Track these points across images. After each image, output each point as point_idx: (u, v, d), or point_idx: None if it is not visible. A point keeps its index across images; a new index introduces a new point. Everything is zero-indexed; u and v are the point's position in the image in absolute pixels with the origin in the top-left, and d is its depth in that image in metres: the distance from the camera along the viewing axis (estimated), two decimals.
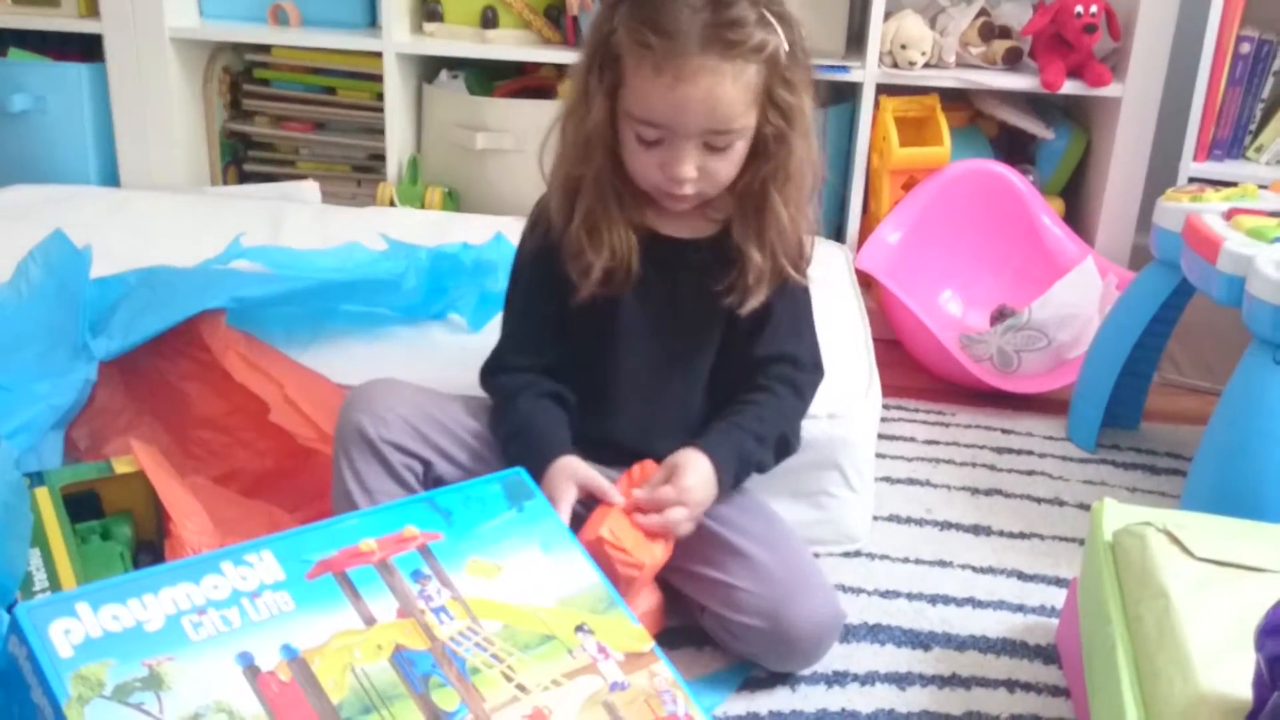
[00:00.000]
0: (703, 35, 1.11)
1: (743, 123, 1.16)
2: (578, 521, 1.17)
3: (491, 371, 1.32)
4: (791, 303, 1.29)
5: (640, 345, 1.28)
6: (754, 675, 1.25)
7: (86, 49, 2.25)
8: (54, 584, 1.11)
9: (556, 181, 1.24)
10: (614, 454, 1.28)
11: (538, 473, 1.19)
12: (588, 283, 1.23)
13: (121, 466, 1.27)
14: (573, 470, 1.20)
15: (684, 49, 1.11)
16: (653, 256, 1.25)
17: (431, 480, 1.25)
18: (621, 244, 1.22)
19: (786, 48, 1.16)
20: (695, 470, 1.20)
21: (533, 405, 1.26)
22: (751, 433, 1.25)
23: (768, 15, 1.15)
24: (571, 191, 1.23)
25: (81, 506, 1.24)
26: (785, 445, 1.29)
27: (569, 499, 1.18)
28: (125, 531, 1.25)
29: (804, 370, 1.31)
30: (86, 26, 2.19)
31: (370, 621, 0.94)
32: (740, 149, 1.19)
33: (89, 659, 0.83)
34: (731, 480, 1.23)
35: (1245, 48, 2.07)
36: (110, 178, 2.27)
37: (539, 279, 1.28)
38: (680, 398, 1.31)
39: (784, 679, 1.24)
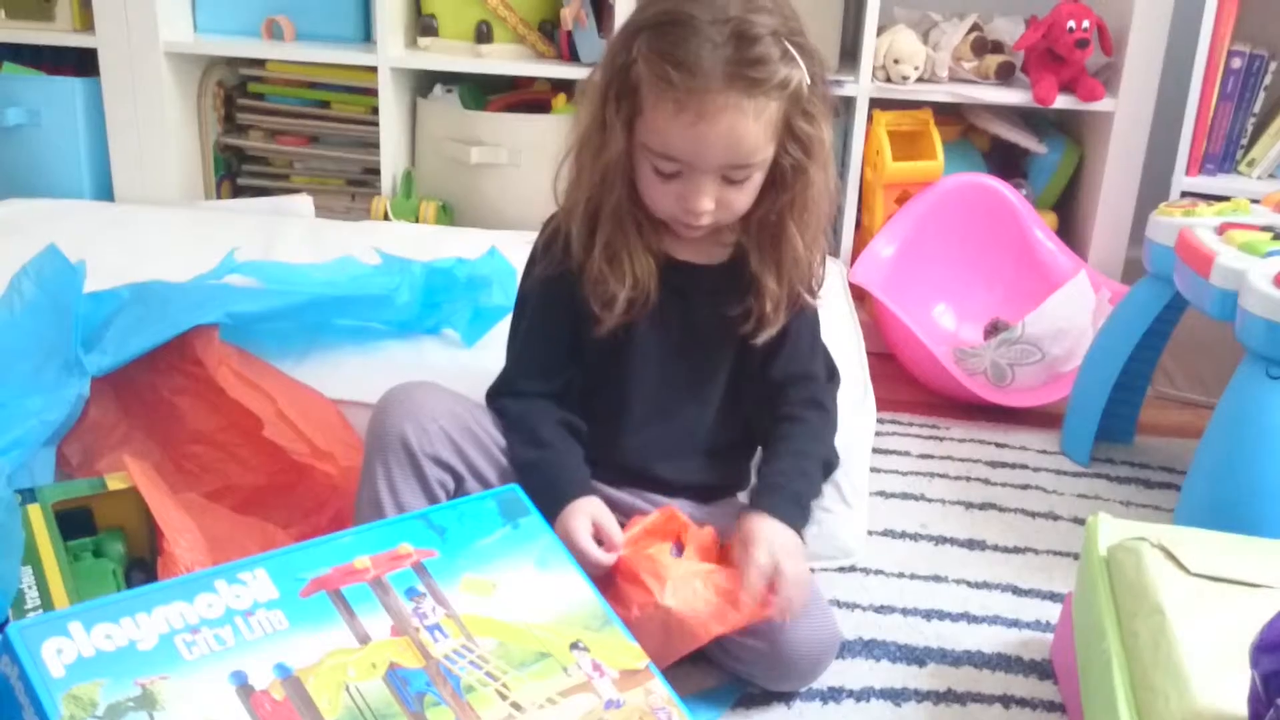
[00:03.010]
0: (726, 73, 1.10)
1: (762, 156, 1.16)
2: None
3: (499, 395, 1.31)
4: (805, 322, 1.30)
5: (655, 369, 1.28)
6: (749, 692, 1.24)
7: (80, 63, 2.25)
8: (46, 602, 1.10)
9: (576, 210, 1.22)
10: (622, 475, 1.29)
11: (557, 508, 1.19)
12: (611, 314, 1.21)
13: (114, 483, 1.27)
14: (592, 510, 1.20)
15: (706, 86, 1.09)
16: (668, 281, 1.24)
17: (459, 496, 1.24)
18: (643, 271, 1.22)
19: (808, 81, 1.15)
20: (766, 540, 1.17)
21: (553, 435, 1.25)
22: (799, 477, 1.24)
23: (790, 49, 1.13)
24: (591, 220, 1.22)
25: (74, 523, 1.23)
26: (828, 468, 1.31)
27: (585, 534, 1.18)
28: (118, 548, 1.24)
29: (822, 384, 1.32)
30: (81, 40, 2.19)
31: (364, 640, 0.94)
32: (758, 180, 1.18)
33: (81, 679, 0.82)
34: (801, 521, 1.23)
35: (1236, 62, 2.08)
36: (104, 192, 2.26)
37: (553, 304, 1.26)
38: (692, 421, 1.31)
39: (779, 696, 1.24)
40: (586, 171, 1.20)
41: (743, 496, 1.36)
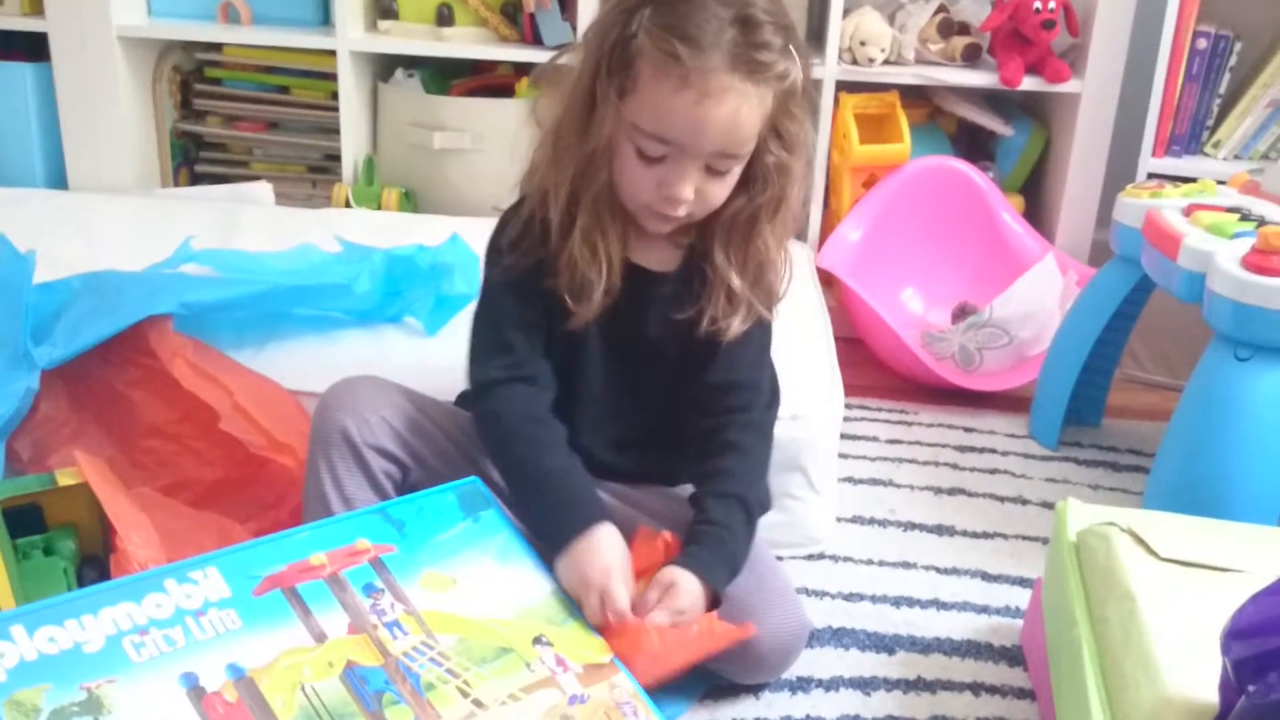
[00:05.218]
0: (732, 54, 1.07)
1: (748, 148, 1.13)
2: None
3: (494, 386, 1.20)
4: (754, 332, 1.24)
5: (601, 372, 1.25)
6: (717, 684, 1.22)
7: (31, 48, 2.19)
8: None
9: (556, 195, 1.17)
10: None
11: (574, 530, 1.12)
12: (590, 304, 1.17)
13: (65, 478, 1.23)
14: (620, 560, 1.13)
15: (712, 64, 1.07)
16: (625, 284, 1.20)
17: (408, 488, 1.21)
18: (616, 261, 1.18)
19: (800, 79, 1.13)
20: (686, 594, 1.12)
21: (564, 448, 1.19)
22: (741, 533, 1.19)
23: (790, 46, 1.11)
24: (571, 206, 1.17)
25: (23, 520, 1.20)
26: (763, 509, 1.25)
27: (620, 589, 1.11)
28: (69, 546, 1.21)
29: (763, 403, 1.28)
30: (31, 25, 2.14)
31: (321, 638, 0.92)
32: (736, 173, 1.15)
33: (24, 683, 0.80)
34: (725, 585, 1.17)
35: (1202, 43, 2.08)
36: (57, 180, 2.21)
37: (533, 295, 1.20)
38: (639, 419, 1.28)
39: (748, 687, 1.22)
40: (570, 153, 1.15)
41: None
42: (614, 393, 1.26)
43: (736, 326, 1.21)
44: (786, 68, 1.11)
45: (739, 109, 1.09)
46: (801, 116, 1.16)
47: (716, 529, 1.18)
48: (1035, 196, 2.31)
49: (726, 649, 1.14)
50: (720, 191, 1.15)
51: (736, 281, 1.20)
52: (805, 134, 1.17)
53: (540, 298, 1.20)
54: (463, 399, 1.32)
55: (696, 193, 1.13)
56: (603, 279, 1.17)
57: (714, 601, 1.15)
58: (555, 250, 1.18)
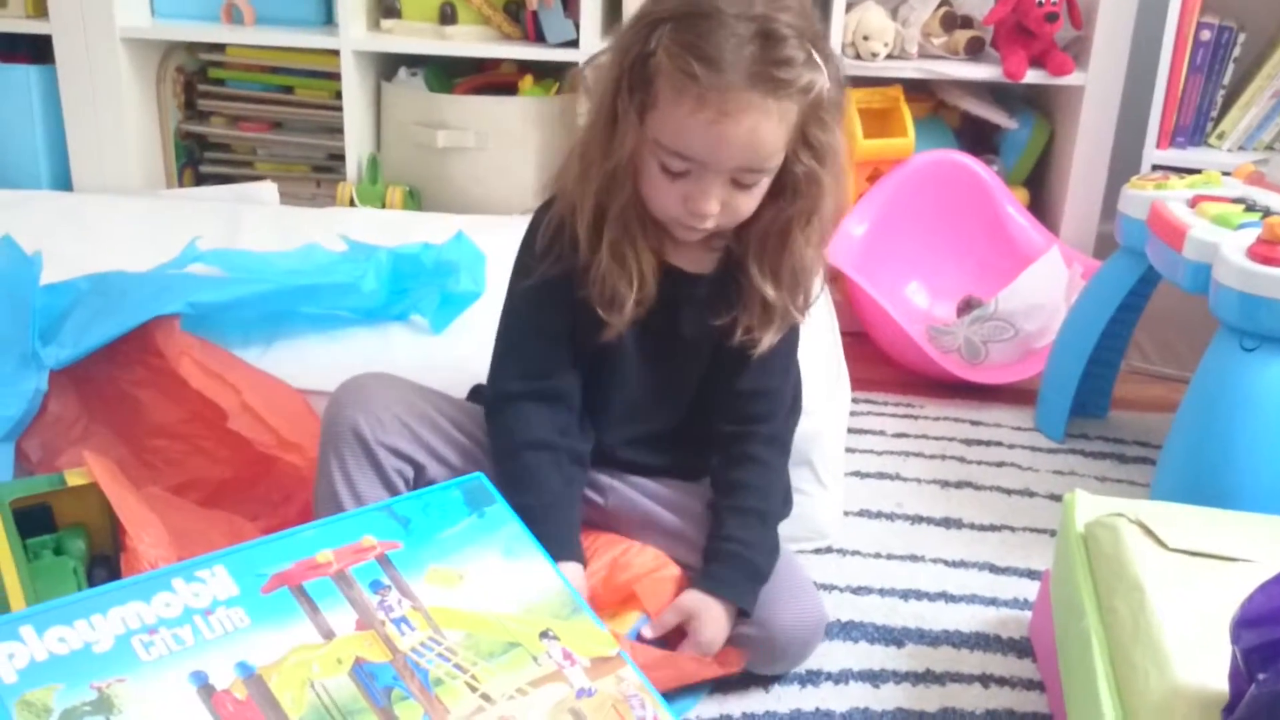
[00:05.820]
0: (751, 71, 1.05)
1: (775, 161, 1.11)
2: None
3: (513, 401, 1.22)
4: (783, 339, 1.24)
5: (635, 373, 1.24)
6: (726, 677, 1.23)
7: (35, 50, 2.20)
8: (2, 603, 1.07)
9: (583, 208, 1.16)
10: (599, 460, 1.27)
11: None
12: (621, 316, 1.17)
13: (74, 478, 1.23)
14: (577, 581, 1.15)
15: (730, 83, 1.04)
16: (659, 287, 1.20)
17: (422, 485, 1.20)
18: (649, 272, 1.17)
19: (828, 86, 1.10)
20: (711, 623, 1.17)
21: (556, 478, 1.19)
22: (762, 544, 1.21)
23: (815, 55, 1.08)
24: (598, 219, 1.16)
25: (33, 520, 1.20)
26: (780, 518, 1.27)
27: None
28: (79, 545, 1.21)
29: (785, 413, 1.28)
30: (35, 27, 2.15)
31: (329, 635, 0.92)
32: (765, 185, 1.13)
33: (35, 684, 0.80)
34: (753, 598, 1.19)
35: (1206, 35, 2.07)
36: (62, 182, 2.22)
37: (557, 305, 1.20)
38: (667, 418, 1.29)
39: (757, 680, 1.23)
40: (595, 168, 1.14)
41: None
42: (644, 392, 1.26)
43: (770, 338, 1.20)
44: (810, 80, 1.08)
45: (758, 126, 1.07)
46: (833, 124, 1.13)
47: (737, 546, 1.20)
48: (1040, 189, 2.31)
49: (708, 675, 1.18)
50: (748, 203, 1.14)
51: (771, 292, 1.18)
52: (837, 142, 1.15)
53: (571, 308, 1.19)
54: (475, 394, 1.32)
55: (723, 205, 1.12)
56: (634, 290, 1.16)
57: (741, 616, 1.19)
58: (585, 263, 1.17)
